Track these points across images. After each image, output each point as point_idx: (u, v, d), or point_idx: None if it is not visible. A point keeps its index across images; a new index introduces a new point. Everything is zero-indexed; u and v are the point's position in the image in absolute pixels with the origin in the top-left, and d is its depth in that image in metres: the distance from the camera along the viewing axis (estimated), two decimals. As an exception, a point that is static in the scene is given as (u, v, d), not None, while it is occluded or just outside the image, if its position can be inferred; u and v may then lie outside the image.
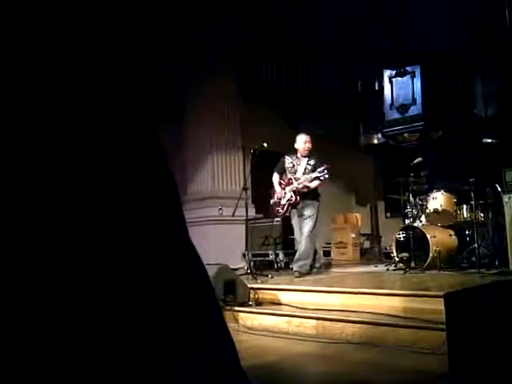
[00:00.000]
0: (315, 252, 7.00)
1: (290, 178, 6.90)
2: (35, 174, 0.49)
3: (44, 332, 0.46)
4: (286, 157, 7.12)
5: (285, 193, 6.87)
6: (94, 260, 0.49)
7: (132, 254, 0.53)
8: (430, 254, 6.31)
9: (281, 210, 6.93)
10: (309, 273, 6.67)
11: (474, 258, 6.29)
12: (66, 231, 0.49)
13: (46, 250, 0.48)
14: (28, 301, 0.47)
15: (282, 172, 7.12)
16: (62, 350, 0.47)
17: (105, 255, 0.51)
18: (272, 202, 7.12)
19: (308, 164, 6.92)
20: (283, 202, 6.87)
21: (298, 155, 7.03)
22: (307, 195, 6.79)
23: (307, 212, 6.73)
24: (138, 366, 0.50)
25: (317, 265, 7.11)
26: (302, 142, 7.04)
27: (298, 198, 6.75)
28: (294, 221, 6.92)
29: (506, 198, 5.74)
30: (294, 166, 6.99)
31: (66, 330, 0.47)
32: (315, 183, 6.75)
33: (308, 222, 6.68)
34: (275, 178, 7.11)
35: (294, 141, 10.75)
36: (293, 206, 6.81)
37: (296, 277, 6.46)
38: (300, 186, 6.74)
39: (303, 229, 6.71)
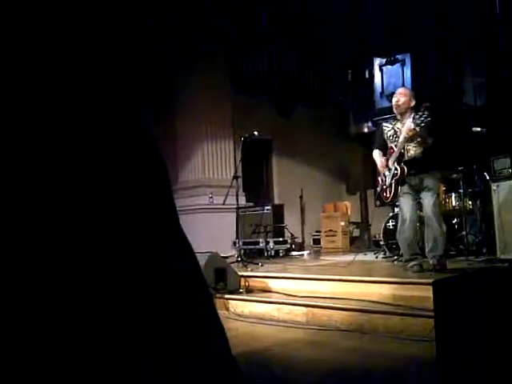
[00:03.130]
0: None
1: (391, 147, 5.24)
2: (27, 173, 0.49)
3: (40, 332, 0.47)
4: (384, 124, 5.48)
5: (389, 169, 5.22)
6: (86, 257, 0.50)
7: (124, 245, 0.53)
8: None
9: (388, 195, 5.25)
10: (443, 266, 4.97)
11: (462, 246, 6.36)
12: (60, 227, 0.49)
13: (39, 248, 0.48)
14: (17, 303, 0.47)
15: (384, 145, 5.37)
16: (58, 350, 0.47)
17: (97, 249, 0.51)
18: (379, 189, 5.44)
19: (414, 122, 4.98)
20: (389, 180, 5.19)
21: (397, 116, 5.30)
22: (420, 163, 5.04)
23: (428, 182, 5.04)
24: (124, 357, 0.50)
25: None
26: (393, 95, 5.44)
27: (406, 168, 5.06)
28: (404, 201, 5.18)
29: (494, 186, 5.79)
30: (395, 131, 5.23)
31: (61, 328, 0.47)
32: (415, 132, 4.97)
33: (428, 195, 5.02)
34: (376, 155, 5.43)
35: (283, 129, 10.85)
36: (401, 182, 5.10)
37: (435, 269, 4.90)
38: (400, 147, 5.12)
39: (425, 206, 5.06)
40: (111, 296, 0.50)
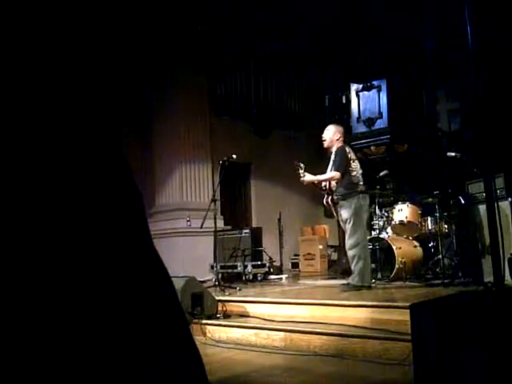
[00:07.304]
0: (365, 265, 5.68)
1: None
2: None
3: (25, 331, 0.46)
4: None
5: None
6: (54, 280, 0.48)
7: (94, 266, 0.52)
8: (396, 266, 6.39)
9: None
10: (359, 288, 5.60)
11: (438, 269, 6.41)
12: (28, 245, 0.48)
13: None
14: None
15: None
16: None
17: (67, 271, 0.49)
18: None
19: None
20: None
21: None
22: (338, 193, 5.84)
23: (343, 214, 5.76)
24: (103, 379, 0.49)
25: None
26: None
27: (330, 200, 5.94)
28: None
29: (469, 210, 5.88)
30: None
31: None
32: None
33: (347, 229, 5.72)
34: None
35: (262, 151, 10.89)
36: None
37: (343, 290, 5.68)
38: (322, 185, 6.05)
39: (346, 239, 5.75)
40: (78, 314, 0.49)
